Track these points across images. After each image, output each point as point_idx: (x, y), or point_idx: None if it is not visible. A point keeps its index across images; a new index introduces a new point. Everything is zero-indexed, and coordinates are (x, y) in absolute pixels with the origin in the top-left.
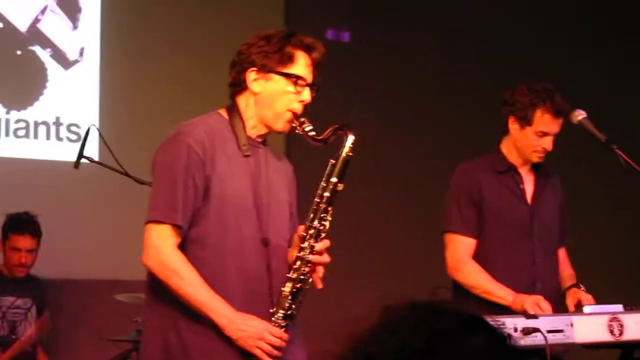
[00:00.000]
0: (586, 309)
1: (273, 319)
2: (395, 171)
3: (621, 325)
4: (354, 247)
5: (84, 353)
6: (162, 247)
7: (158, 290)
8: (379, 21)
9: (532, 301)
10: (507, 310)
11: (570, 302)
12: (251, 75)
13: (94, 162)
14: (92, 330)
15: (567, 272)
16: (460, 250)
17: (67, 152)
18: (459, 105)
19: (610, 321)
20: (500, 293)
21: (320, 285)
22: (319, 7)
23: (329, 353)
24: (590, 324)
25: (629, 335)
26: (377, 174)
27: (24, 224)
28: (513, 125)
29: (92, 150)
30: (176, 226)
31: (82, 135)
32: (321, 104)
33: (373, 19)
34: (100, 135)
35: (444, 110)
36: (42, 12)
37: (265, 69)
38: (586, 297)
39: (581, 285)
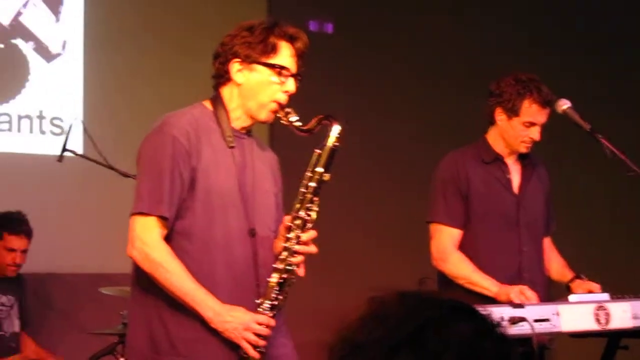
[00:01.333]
0: (572, 297)
1: (259, 309)
2: (378, 162)
3: (607, 314)
4: (340, 238)
5: (69, 347)
6: (147, 239)
7: (144, 282)
8: (362, 11)
9: (517, 290)
10: (493, 301)
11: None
12: (235, 66)
13: (78, 155)
14: (78, 324)
15: (559, 261)
16: (445, 240)
17: (50, 146)
18: (444, 96)
19: (597, 310)
20: (485, 284)
21: (302, 273)
22: None
23: (313, 343)
24: (576, 313)
25: (615, 324)
26: (360, 164)
27: (19, 224)
28: (500, 116)
29: (77, 143)
30: (162, 218)
31: (66, 128)
32: (304, 95)
33: (357, 9)
34: (84, 128)
35: (428, 101)
36: (25, 5)
37: (248, 60)
38: (595, 286)
39: (583, 276)
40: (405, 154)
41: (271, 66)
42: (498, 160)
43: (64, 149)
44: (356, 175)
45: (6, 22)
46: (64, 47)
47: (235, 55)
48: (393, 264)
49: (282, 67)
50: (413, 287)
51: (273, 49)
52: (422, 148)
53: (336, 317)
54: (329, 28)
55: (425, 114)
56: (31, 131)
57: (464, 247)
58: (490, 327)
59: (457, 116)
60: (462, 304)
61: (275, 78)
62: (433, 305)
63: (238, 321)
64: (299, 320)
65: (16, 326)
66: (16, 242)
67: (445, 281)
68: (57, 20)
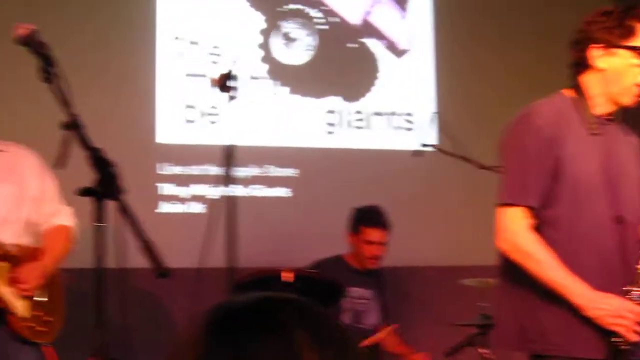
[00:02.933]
0: None
1: (628, 296)
2: None
3: None
4: None
5: (429, 339)
6: (515, 229)
7: (512, 273)
8: None
9: None
10: None
11: None
12: (595, 52)
13: (435, 148)
14: (437, 316)
15: None
16: None
17: (402, 141)
18: None
19: None
20: None
21: None
22: None
23: None
24: None
25: None
26: None
27: (376, 217)
28: None
29: (430, 136)
30: (529, 207)
31: (416, 123)
32: None
33: None
34: (439, 121)
35: None
36: (373, 4)
37: (609, 45)
38: None
39: None
40: None
41: (632, 48)
42: None
43: (423, 144)
44: None
45: (356, 21)
46: (411, 42)
47: (595, 41)
48: None
49: None
50: None
51: (631, 32)
52: None
53: None
54: None
55: None
56: (384, 127)
57: None
58: None
59: None
60: None
61: (636, 60)
62: None
63: (612, 308)
64: None
65: (376, 319)
66: (374, 234)
67: None
68: (404, 16)
